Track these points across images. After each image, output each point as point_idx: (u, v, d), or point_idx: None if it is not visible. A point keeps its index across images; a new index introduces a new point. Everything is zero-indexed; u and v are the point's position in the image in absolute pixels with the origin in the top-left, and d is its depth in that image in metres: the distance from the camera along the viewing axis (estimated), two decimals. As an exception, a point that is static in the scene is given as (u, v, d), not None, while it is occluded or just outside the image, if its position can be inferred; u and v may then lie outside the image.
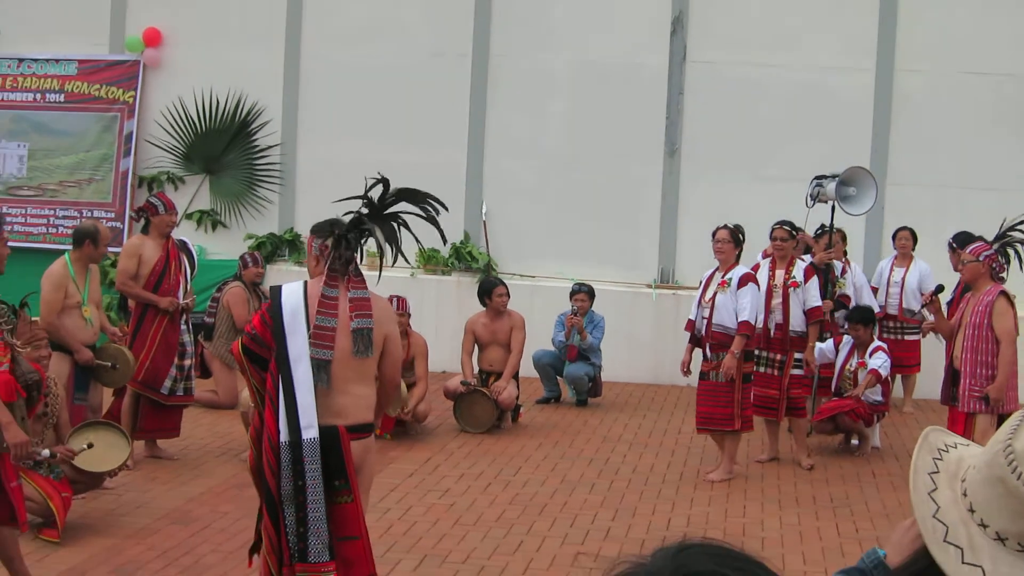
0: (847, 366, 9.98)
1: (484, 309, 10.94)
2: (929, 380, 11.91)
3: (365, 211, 5.34)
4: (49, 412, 7.11)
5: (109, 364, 8.45)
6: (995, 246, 8.14)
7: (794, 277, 9.45)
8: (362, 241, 5.36)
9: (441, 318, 12.64)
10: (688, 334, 9.42)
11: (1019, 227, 8.47)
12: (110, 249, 9.71)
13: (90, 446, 7.32)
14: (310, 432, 5.07)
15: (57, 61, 14.34)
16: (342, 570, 5.19)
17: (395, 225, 5.40)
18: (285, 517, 5.09)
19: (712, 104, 13.31)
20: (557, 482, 8.81)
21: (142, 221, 9.36)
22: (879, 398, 9.93)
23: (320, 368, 5.13)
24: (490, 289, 10.93)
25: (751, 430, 9.28)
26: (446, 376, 11.27)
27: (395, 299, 10.35)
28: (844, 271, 11.55)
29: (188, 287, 9.24)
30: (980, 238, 8.79)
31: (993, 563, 1.82)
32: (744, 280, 8.96)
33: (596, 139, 13.51)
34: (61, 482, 7.10)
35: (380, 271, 5.55)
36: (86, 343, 8.30)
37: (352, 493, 5.16)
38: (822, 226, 10.89)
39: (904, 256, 11.71)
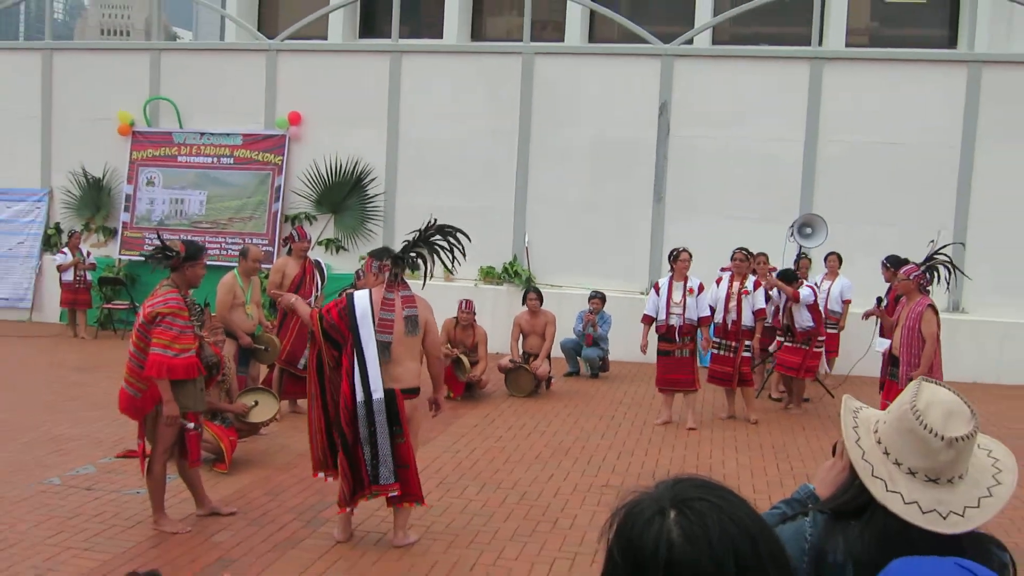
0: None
1: (525, 309, 10.94)
2: (844, 362, 11.82)
3: (412, 239, 5.55)
4: (224, 381, 7.18)
5: (263, 347, 8.51)
6: (922, 267, 7.90)
7: (746, 287, 9.46)
8: (413, 260, 5.53)
9: (496, 315, 12.61)
10: (643, 325, 9.45)
11: (942, 252, 8.27)
12: (264, 266, 9.76)
13: (256, 404, 7.38)
14: (378, 393, 5.26)
15: (228, 135, 14.47)
16: (400, 489, 5.35)
17: (436, 248, 5.59)
18: (364, 454, 5.28)
19: (687, 166, 13.22)
20: (578, 432, 8.77)
21: (287, 247, 9.41)
22: (811, 324, 9.77)
23: (384, 347, 5.28)
24: (526, 295, 10.99)
25: (699, 388, 9.34)
26: (499, 356, 11.20)
27: (464, 301, 10.35)
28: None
29: (319, 293, 9.27)
30: (906, 260, 8.60)
31: (908, 490, 1.87)
32: (701, 288, 9.23)
33: (605, 190, 13.47)
34: (229, 429, 7.15)
35: (424, 280, 5.59)
36: (247, 332, 8.34)
37: (404, 436, 5.33)
38: (800, 254, 11.06)
39: (832, 273, 11.49)
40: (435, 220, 5.64)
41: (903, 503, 1.85)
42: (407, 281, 5.54)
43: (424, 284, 5.65)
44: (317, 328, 5.43)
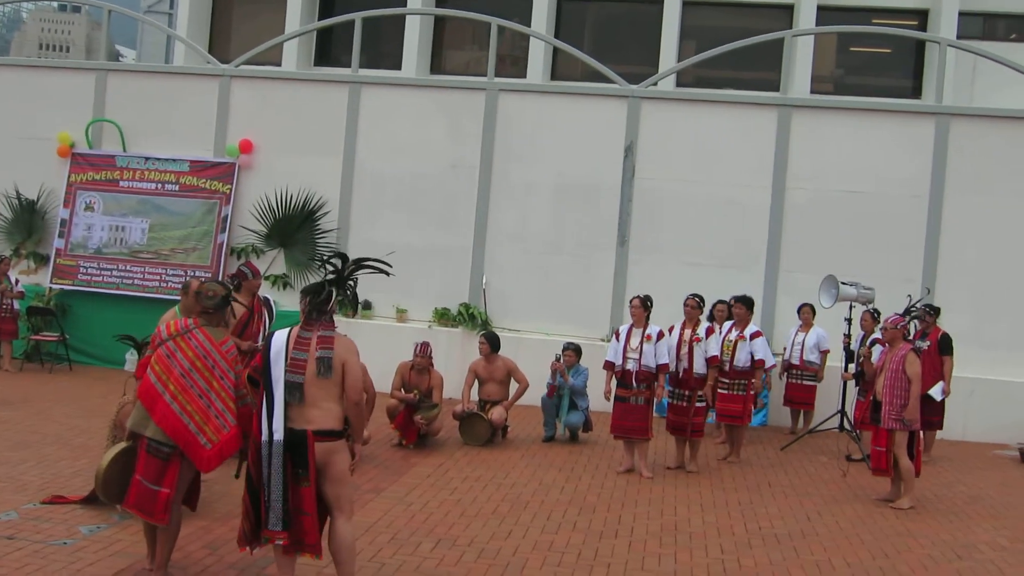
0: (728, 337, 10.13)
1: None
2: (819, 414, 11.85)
3: (331, 279, 5.39)
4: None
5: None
6: (905, 319, 8.79)
7: (698, 334, 9.46)
8: (328, 299, 5.29)
9: (450, 359, 12.42)
10: (605, 371, 9.41)
11: (917, 305, 9.32)
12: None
13: None
14: (278, 435, 5.02)
15: (174, 160, 14.22)
16: (294, 537, 5.08)
17: (351, 285, 5.49)
18: (263, 496, 5.06)
19: (651, 210, 13.26)
20: (536, 484, 8.61)
21: (235, 282, 9.11)
22: (748, 365, 10.13)
23: (295, 388, 5.06)
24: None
25: (652, 437, 9.40)
26: (454, 402, 11.03)
27: (421, 344, 10.12)
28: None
29: (266, 331, 9.02)
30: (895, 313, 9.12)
31: None
32: (660, 335, 9.21)
33: (568, 232, 13.46)
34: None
35: (331, 314, 5.35)
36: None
37: (309, 480, 5.06)
38: (875, 310, 11.01)
39: (806, 324, 11.73)
40: (350, 260, 5.49)
41: None
42: (332, 320, 5.31)
43: (329, 317, 5.36)
44: (246, 384, 5.38)
